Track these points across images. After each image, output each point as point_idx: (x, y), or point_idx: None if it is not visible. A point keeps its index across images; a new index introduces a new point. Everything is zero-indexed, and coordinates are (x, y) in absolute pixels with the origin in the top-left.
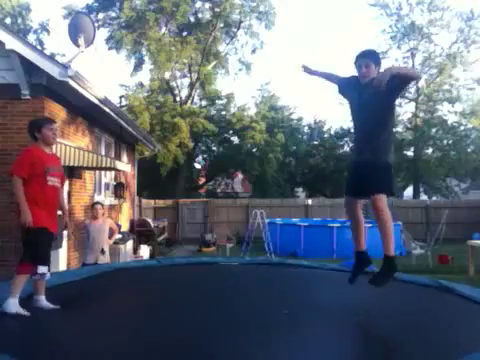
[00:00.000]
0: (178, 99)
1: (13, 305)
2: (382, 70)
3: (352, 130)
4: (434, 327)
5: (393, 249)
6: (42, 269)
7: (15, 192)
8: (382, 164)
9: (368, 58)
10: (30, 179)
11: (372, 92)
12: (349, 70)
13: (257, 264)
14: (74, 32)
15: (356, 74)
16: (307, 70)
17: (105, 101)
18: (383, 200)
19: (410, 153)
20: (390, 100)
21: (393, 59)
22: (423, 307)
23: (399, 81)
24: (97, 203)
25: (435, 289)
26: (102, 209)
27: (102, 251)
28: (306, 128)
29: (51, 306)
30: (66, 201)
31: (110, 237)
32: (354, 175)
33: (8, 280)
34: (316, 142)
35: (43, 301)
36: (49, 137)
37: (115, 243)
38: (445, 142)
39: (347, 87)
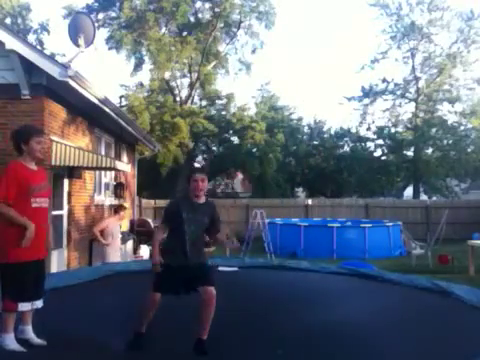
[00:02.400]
0: (178, 99)
1: (10, 342)
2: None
3: (352, 130)
4: (433, 329)
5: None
6: (23, 306)
7: (7, 217)
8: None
9: (205, 174)
10: (14, 201)
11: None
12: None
13: (255, 267)
14: (74, 32)
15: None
16: None
17: (105, 101)
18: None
19: (410, 153)
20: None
21: (393, 59)
22: (422, 310)
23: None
24: (124, 205)
25: (434, 292)
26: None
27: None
28: (306, 128)
29: (37, 340)
30: (66, 201)
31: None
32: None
33: None
34: (316, 142)
35: (29, 332)
36: (36, 151)
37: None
38: (445, 142)
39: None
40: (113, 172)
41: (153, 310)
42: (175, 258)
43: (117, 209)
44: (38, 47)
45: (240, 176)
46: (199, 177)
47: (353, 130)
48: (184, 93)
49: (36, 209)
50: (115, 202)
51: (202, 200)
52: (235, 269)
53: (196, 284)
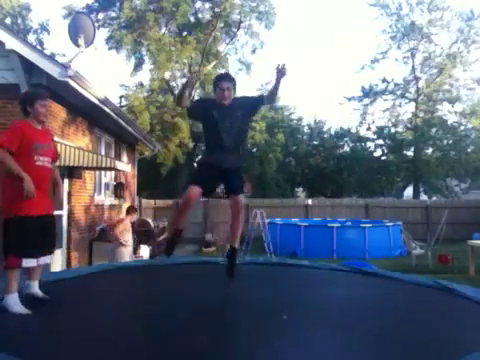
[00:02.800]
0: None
1: (13, 302)
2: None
3: (352, 130)
4: (434, 327)
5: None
6: (28, 262)
7: (5, 164)
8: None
9: (232, 82)
10: (17, 157)
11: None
12: (349, 70)
13: (256, 264)
14: (74, 32)
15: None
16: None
17: (105, 101)
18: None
19: (410, 153)
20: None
21: (393, 59)
22: (423, 307)
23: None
24: (134, 207)
25: (435, 289)
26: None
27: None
28: (306, 128)
29: (41, 295)
30: (66, 201)
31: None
32: (218, 175)
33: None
34: (316, 142)
35: (35, 288)
36: (41, 114)
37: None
38: (445, 142)
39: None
40: (113, 172)
41: (191, 205)
42: (212, 156)
43: (129, 210)
44: (38, 47)
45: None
46: (225, 85)
47: (353, 130)
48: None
49: (39, 167)
50: (115, 202)
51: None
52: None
53: (227, 189)
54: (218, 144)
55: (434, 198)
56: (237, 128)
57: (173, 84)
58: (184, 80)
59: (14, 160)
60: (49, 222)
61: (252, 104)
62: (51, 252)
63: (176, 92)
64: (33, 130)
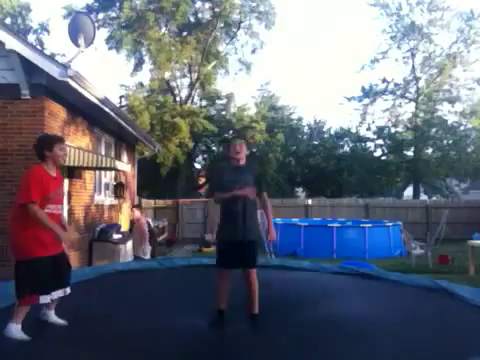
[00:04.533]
0: (178, 99)
1: (15, 331)
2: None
3: (352, 130)
4: (434, 329)
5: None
6: (44, 299)
7: (37, 218)
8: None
9: (243, 141)
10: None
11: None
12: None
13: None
14: (74, 32)
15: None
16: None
17: (105, 101)
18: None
19: (410, 153)
20: None
21: (393, 59)
22: (423, 309)
23: None
24: (135, 206)
25: (435, 291)
26: (136, 211)
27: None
28: (306, 128)
29: (60, 322)
30: (66, 201)
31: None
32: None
33: (9, 279)
34: (316, 142)
35: (52, 316)
36: (59, 157)
37: (115, 243)
38: (445, 142)
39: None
40: (113, 172)
41: (225, 286)
42: (227, 234)
43: (138, 206)
44: (38, 47)
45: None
46: (238, 145)
47: (353, 130)
48: (184, 93)
49: (49, 214)
50: (115, 202)
51: (243, 163)
52: None
53: (242, 263)
54: (232, 218)
55: (434, 198)
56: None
57: (173, 84)
58: (184, 80)
59: (22, 208)
60: (61, 260)
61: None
62: (64, 286)
63: (176, 92)
64: (49, 178)
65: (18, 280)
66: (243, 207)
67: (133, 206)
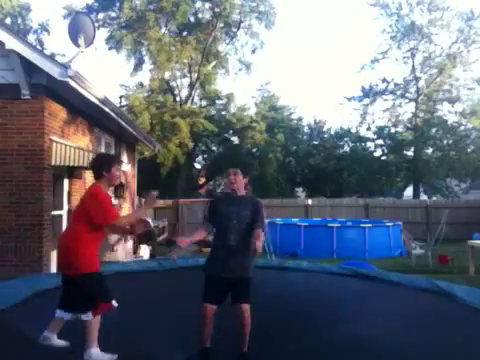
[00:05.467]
0: (178, 99)
1: (99, 355)
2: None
3: (352, 130)
4: (433, 330)
5: None
6: (115, 302)
7: (125, 222)
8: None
9: (237, 169)
10: (95, 225)
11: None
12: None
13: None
14: (74, 32)
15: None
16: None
17: (105, 101)
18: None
19: (410, 153)
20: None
21: (393, 59)
22: (422, 310)
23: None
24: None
25: (434, 293)
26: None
27: (112, 249)
28: (306, 128)
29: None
30: (66, 201)
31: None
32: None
33: (8, 279)
34: (316, 142)
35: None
36: (116, 177)
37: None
38: (445, 142)
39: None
40: None
41: (209, 321)
42: (214, 267)
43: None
44: (38, 47)
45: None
46: (231, 171)
47: (353, 130)
48: (184, 93)
49: (100, 232)
50: (115, 202)
51: (241, 193)
52: None
53: (233, 296)
54: (222, 249)
55: (434, 198)
56: (242, 230)
57: (173, 84)
58: (184, 80)
59: (88, 227)
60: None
61: (253, 216)
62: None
63: (176, 92)
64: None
65: (89, 293)
66: (234, 241)
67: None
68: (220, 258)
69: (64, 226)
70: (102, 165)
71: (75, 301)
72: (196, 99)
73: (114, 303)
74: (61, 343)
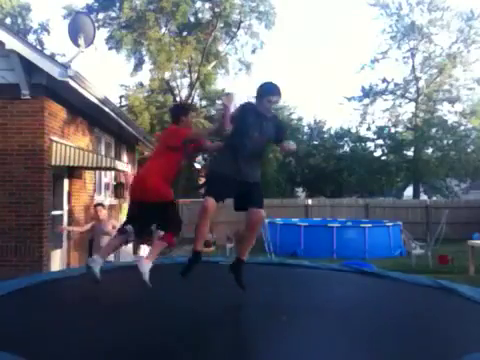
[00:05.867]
0: (178, 99)
1: (148, 269)
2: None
3: (352, 130)
4: (433, 327)
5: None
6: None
7: (201, 132)
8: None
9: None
10: (177, 151)
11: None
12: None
13: (257, 264)
14: (74, 32)
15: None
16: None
17: (105, 101)
18: None
19: (410, 153)
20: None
21: (393, 59)
22: (422, 307)
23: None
24: (98, 204)
25: (434, 289)
26: (103, 210)
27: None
28: (306, 128)
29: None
30: (66, 201)
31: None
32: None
33: (8, 279)
34: (316, 142)
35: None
36: (190, 122)
37: None
38: (445, 142)
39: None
40: (113, 172)
41: (208, 217)
42: (227, 168)
43: (102, 205)
44: (38, 47)
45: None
46: (275, 99)
47: (353, 130)
48: (184, 93)
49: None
50: (115, 202)
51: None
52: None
53: (246, 202)
54: (239, 152)
55: (434, 198)
56: (261, 143)
57: (173, 84)
58: (184, 80)
59: (172, 153)
60: None
61: (278, 136)
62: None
63: (176, 92)
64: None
65: (170, 219)
66: (251, 151)
67: (97, 205)
68: (234, 162)
69: (65, 226)
70: (180, 111)
71: (149, 224)
72: (196, 99)
73: (175, 238)
74: (98, 275)
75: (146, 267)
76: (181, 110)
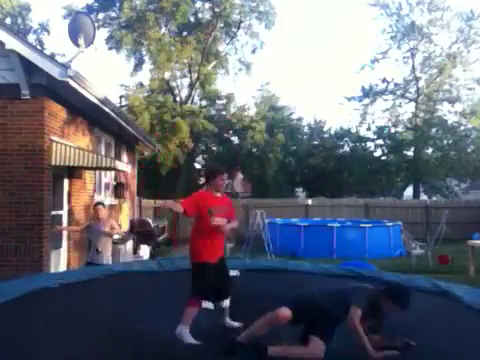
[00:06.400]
0: (178, 99)
1: (184, 333)
2: None
3: (352, 130)
4: (432, 331)
5: None
6: (206, 304)
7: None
8: None
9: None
10: (198, 219)
11: None
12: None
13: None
14: (74, 32)
15: None
16: None
17: (105, 101)
18: None
19: (410, 153)
20: None
21: (393, 59)
22: (422, 310)
23: None
24: (98, 203)
25: (433, 293)
26: (103, 210)
27: (97, 251)
28: (306, 128)
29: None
30: (66, 201)
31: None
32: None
33: (8, 279)
34: (316, 142)
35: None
36: (219, 186)
37: (114, 243)
38: (445, 142)
39: None
40: (113, 172)
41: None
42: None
43: (102, 204)
44: (38, 47)
45: (240, 176)
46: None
47: (353, 130)
48: (184, 93)
49: (214, 226)
50: (115, 202)
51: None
52: (236, 273)
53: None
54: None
55: (434, 198)
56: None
57: (173, 84)
58: (184, 80)
59: (195, 221)
60: (220, 268)
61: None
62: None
63: (176, 92)
64: (210, 197)
65: (192, 280)
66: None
67: (96, 203)
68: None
69: (65, 226)
70: (210, 173)
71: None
72: (196, 99)
73: (205, 305)
74: (193, 340)
75: (183, 333)
76: (210, 173)
